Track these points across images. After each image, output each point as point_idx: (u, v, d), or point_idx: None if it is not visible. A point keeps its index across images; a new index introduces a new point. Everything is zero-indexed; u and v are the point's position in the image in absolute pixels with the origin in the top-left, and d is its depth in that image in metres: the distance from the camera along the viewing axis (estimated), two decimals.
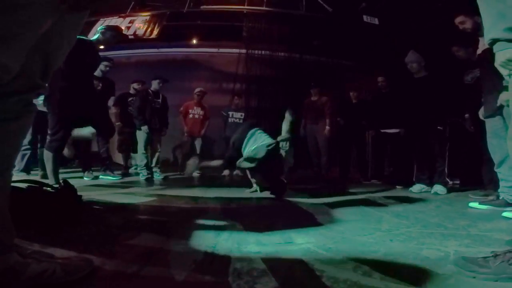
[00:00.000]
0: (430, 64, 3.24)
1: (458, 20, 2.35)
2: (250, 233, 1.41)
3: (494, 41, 0.93)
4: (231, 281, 0.88)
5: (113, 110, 4.30)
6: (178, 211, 1.88)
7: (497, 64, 0.96)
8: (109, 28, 3.02)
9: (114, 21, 6.13)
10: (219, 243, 1.25)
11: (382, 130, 4.09)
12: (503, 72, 0.97)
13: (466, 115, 3.09)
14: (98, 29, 2.92)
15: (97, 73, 3.73)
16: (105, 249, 1.11)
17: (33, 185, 1.56)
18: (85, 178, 3.50)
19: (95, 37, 2.90)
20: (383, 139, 4.16)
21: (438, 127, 3.15)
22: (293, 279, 0.90)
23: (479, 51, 2.27)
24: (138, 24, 6.26)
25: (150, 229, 1.44)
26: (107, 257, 1.02)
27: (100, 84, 3.70)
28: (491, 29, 0.92)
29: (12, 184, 1.37)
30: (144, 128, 3.83)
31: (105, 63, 3.81)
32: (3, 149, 0.72)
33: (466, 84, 2.92)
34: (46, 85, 0.80)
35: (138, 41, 6.12)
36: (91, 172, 3.61)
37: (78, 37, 0.86)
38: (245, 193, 2.78)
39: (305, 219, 1.74)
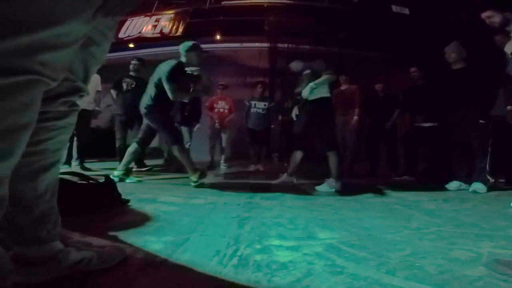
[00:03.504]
0: (469, 56, 3.01)
1: (485, 14, 2.19)
2: (273, 227, 1.43)
3: None
4: (250, 273, 0.90)
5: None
6: (204, 203, 1.95)
7: None
8: (191, 48, 2.78)
9: (141, 20, 6.39)
10: (241, 235, 1.29)
11: (416, 124, 3.86)
12: None
13: (509, 107, 2.82)
14: (182, 50, 2.75)
15: (131, 72, 3.99)
16: (137, 239, 1.18)
17: (79, 179, 1.72)
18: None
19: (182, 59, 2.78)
20: (417, 133, 3.92)
21: (480, 121, 2.91)
22: (312, 274, 0.90)
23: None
24: (164, 22, 6.48)
25: (178, 220, 1.51)
26: (138, 247, 1.10)
27: (134, 83, 3.88)
28: None
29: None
30: None
31: (132, 61, 4.01)
32: (51, 145, 0.78)
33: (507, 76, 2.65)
34: (87, 87, 0.87)
35: (165, 39, 6.33)
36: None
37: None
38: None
39: (329, 215, 1.71)
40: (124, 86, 3.86)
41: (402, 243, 1.20)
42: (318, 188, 2.72)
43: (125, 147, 3.87)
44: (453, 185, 2.92)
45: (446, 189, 2.88)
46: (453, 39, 3.12)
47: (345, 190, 2.66)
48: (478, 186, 2.74)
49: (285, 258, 1.03)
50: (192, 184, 2.69)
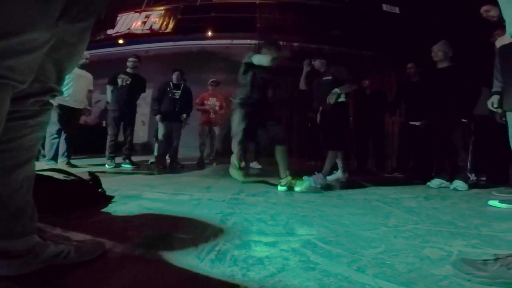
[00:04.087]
0: (456, 55, 3.06)
1: (484, 8, 2.26)
2: (254, 223, 1.45)
3: None
4: (226, 267, 0.93)
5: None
6: (189, 199, 1.96)
7: None
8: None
9: (130, 16, 6.31)
10: (222, 230, 1.31)
11: (411, 122, 3.92)
12: None
13: (489, 102, 2.90)
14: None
15: (128, 69, 4.05)
16: (118, 235, 1.20)
17: (64, 176, 1.71)
18: (107, 166, 3.72)
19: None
20: (409, 131, 3.99)
21: (463, 120, 2.98)
22: (286, 269, 0.93)
23: (499, 43, 2.13)
24: (154, 18, 6.40)
25: (161, 217, 1.52)
26: (118, 241, 1.11)
27: (130, 79, 3.94)
28: None
29: (42, 172, 1.54)
30: (157, 117, 4.11)
31: (130, 58, 4.09)
32: (24, 142, 0.81)
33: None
34: (61, 87, 0.90)
35: (155, 35, 6.26)
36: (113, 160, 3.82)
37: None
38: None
39: (311, 211, 1.75)
40: (119, 82, 3.90)
41: (377, 240, 1.24)
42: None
43: (116, 143, 3.92)
44: (434, 182, 2.99)
45: (428, 187, 2.96)
46: (442, 37, 3.16)
47: (330, 185, 2.71)
48: (459, 184, 2.82)
49: (262, 254, 1.05)
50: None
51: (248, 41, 6.23)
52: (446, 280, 0.87)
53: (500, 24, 2.17)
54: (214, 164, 4.73)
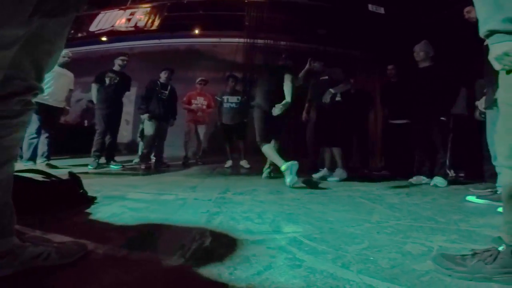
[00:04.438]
0: (436, 55, 3.16)
1: (466, 9, 2.34)
2: (240, 221, 1.45)
3: (491, 33, 0.87)
4: (213, 266, 0.92)
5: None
6: (174, 199, 1.93)
7: (491, 57, 0.90)
8: None
9: (114, 13, 6.13)
10: (208, 230, 1.30)
11: (392, 121, 4.04)
12: (496, 66, 0.91)
13: (477, 103, 3.02)
14: None
15: (116, 67, 3.98)
16: (100, 236, 1.16)
17: (43, 177, 1.65)
18: (89, 167, 3.60)
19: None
20: (392, 130, 4.10)
21: (441, 118, 3.10)
22: (272, 267, 0.93)
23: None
24: (139, 16, 6.26)
25: (145, 217, 1.49)
26: (100, 243, 1.08)
27: (118, 78, 3.86)
28: (487, 20, 0.87)
29: (20, 173, 1.48)
30: (144, 116, 4.04)
31: (122, 57, 4.02)
32: (5, 142, 0.80)
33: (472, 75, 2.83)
34: (42, 85, 0.89)
35: (140, 33, 6.12)
36: (97, 161, 3.71)
37: None
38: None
39: (297, 208, 1.76)
40: (107, 80, 3.82)
41: (361, 236, 1.26)
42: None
43: (103, 141, 3.84)
44: (415, 179, 3.09)
45: (411, 183, 3.05)
46: (424, 38, 3.25)
47: (315, 183, 2.75)
48: (438, 180, 2.92)
49: (249, 252, 1.05)
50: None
51: (237, 40, 6.20)
52: (427, 276, 0.90)
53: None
54: (200, 163, 4.68)
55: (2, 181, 0.81)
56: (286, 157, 2.76)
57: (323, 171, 3.46)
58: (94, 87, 3.95)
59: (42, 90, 0.88)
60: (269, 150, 2.89)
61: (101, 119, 3.87)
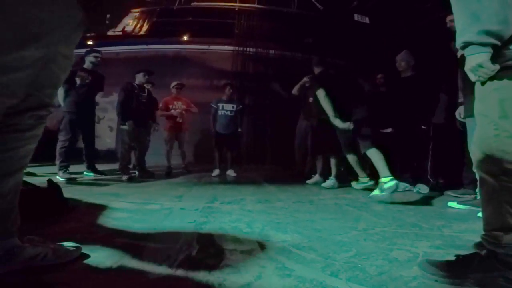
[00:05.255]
0: (418, 64, 3.28)
1: (449, 18, 2.41)
2: (229, 231, 1.43)
3: (467, 44, 0.89)
4: (202, 277, 0.90)
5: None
6: (160, 209, 1.88)
7: (467, 68, 0.92)
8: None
9: None
10: (197, 239, 1.27)
11: (381, 130, 4.12)
12: (472, 77, 0.94)
13: (456, 113, 3.14)
14: None
15: (87, 65, 3.60)
16: (82, 246, 1.11)
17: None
18: (58, 178, 3.18)
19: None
20: (379, 139, 4.18)
21: (422, 127, 3.21)
22: (262, 277, 0.92)
23: (461, 52, 2.31)
24: (127, 20, 6.18)
25: (128, 227, 1.44)
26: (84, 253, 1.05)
27: (90, 77, 3.50)
28: (463, 31, 0.89)
29: None
30: (129, 123, 3.68)
31: (94, 54, 3.63)
32: (18, 152, 0.88)
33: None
34: (54, 101, 0.98)
35: (127, 37, 6.04)
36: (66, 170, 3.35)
37: None
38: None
39: (285, 217, 1.76)
40: (78, 80, 3.39)
41: (348, 244, 1.27)
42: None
43: (70, 150, 3.39)
44: (400, 186, 3.16)
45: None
46: (406, 47, 3.36)
47: (303, 192, 2.76)
48: (421, 187, 3.01)
49: (238, 262, 1.03)
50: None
51: (226, 47, 6.22)
52: (414, 281, 0.92)
53: None
54: (185, 172, 4.51)
55: (12, 186, 0.88)
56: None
57: (316, 177, 3.51)
58: (61, 88, 3.35)
59: (54, 106, 0.98)
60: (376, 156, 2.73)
61: (68, 124, 3.40)
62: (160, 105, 4.54)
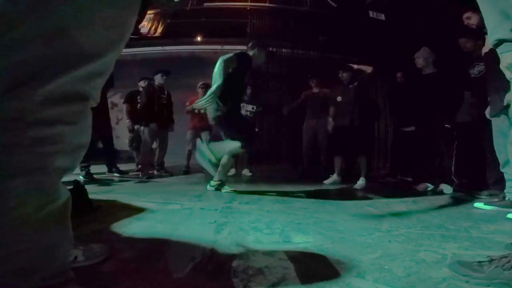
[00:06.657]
0: (439, 61, 3.17)
1: (465, 15, 2.35)
2: (249, 232, 1.43)
3: (500, 42, 0.89)
4: (226, 279, 0.90)
5: (124, 108, 4.38)
6: (180, 209, 1.92)
7: (502, 66, 0.92)
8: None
9: None
10: (218, 241, 1.28)
11: (404, 129, 4.02)
12: (508, 75, 0.92)
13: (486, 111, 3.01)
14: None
15: None
16: (109, 247, 1.14)
17: None
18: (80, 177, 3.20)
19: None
20: (401, 137, 4.10)
21: (446, 125, 3.09)
22: (287, 279, 0.91)
23: (485, 49, 2.21)
24: (142, 22, 6.31)
25: (153, 227, 1.47)
26: (110, 255, 1.06)
27: None
28: (496, 29, 0.88)
29: None
30: (153, 125, 3.81)
31: None
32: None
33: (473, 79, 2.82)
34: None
35: (143, 39, 6.17)
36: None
37: None
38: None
39: (305, 218, 1.74)
40: None
41: (373, 245, 1.25)
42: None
43: (90, 149, 3.57)
44: (422, 186, 3.08)
45: (416, 190, 3.03)
46: (425, 44, 3.24)
47: (321, 193, 2.73)
48: (445, 187, 2.91)
49: (261, 264, 1.03)
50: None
51: (239, 47, 6.23)
52: (445, 283, 0.89)
53: (480, 32, 2.26)
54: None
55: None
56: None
57: (334, 177, 3.47)
58: None
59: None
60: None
61: None
62: (187, 104, 4.57)
